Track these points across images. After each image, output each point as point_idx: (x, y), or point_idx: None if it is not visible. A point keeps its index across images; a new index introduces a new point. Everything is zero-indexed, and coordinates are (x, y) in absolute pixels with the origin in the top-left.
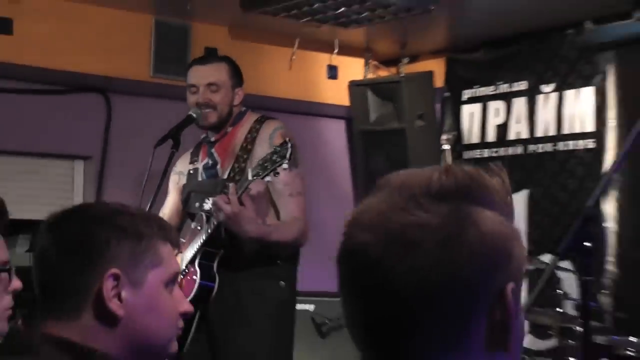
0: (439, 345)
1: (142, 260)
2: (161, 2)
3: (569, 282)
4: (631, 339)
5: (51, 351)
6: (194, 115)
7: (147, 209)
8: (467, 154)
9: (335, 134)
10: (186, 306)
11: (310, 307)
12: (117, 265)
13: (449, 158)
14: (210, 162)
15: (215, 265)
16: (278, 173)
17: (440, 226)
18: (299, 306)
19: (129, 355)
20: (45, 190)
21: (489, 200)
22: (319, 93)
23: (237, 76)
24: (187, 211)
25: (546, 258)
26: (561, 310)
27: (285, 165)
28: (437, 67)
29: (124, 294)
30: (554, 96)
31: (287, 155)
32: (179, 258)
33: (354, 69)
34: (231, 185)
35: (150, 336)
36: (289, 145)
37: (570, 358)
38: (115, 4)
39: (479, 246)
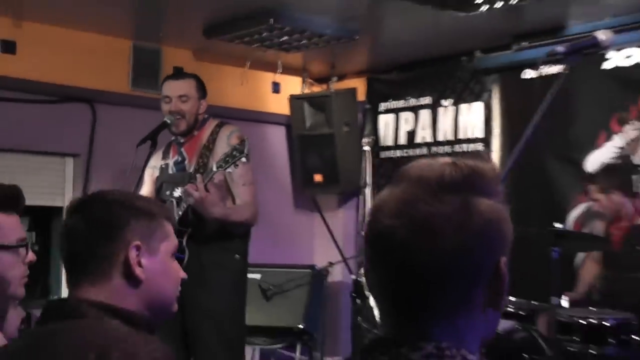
0: (449, 311)
1: (155, 234)
2: (138, 30)
3: None
4: (511, 298)
5: (97, 313)
6: (168, 121)
7: None
8: (383, 154)
9: (277, 137)
10: (182, 273)
11: (257, 276)
12: (137, 238)
13: (368, 157)
14: (179, 158)
15: (184, 240)
16: (237, 165)
17: (454, 215)
18: (249, 275)
19: (146, 313)
20: (41, 181)
21: (488, 190)
22: (264, 104)
23: (202, 90)
24: (159, 198)
25: None
26: None
27: (243, 159)
28: (359, 85)
29: (143, 261)
30: (451, 109)
31: (245, 151)
32: None
33: (293, 85)
34: (198, 175)
35: (162, 296)
36: (246, 143)
37: None
38: (101, 31)
39: (483, 231)
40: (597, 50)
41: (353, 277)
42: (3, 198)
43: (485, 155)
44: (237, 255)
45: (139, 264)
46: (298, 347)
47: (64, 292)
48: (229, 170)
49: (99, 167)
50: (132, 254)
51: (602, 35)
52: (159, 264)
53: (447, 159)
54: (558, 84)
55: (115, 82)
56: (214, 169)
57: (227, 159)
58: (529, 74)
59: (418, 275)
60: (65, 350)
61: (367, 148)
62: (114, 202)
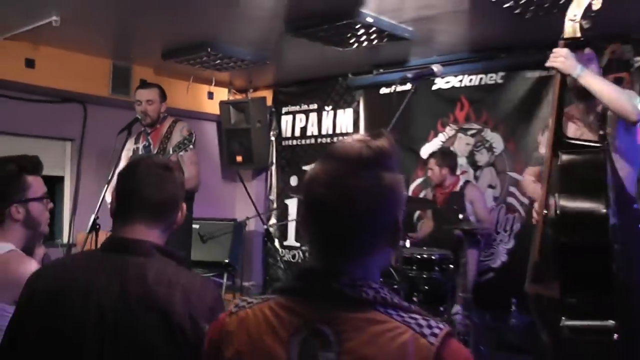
0: (360, 253)
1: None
2: (115, 53)
3: None
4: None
5: (157, 254)
6: (139, 117)
7: (112, 171)
8: (284, 143)
9: (211, 130)
10: None
11: (197, 226)
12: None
13: (274, 145)
14: (147, 143)
15: None
16: (187, 150)
17: (368, 188)
18: (192, 225)
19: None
20: (48, 158)
21: (390, 165)
22: (202, 107)
23: (163, 96)
24: None
25: None
26: None
27: (191, 146)
28: (268, 94)
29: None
30: (331, 113)
31: (193, 141)
32: None
33: (222, 94)
34: (166, 152)
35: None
36: (193, 135)
37: None
38: (91, 53)
39: (388, 199)
40: (433, 77)
41: (265, 227)
42: (31, 164)
43: (384, 132)
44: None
45: None
46: (225, 275)
47: (65, 237)
48: (181, 153)
49: (88, 148)
50: (183, 206)
51: (436, 68)
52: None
53: (362, 139)
54: (407, 97)
55: (100, 89)
56: (171, 152)
57: (180, 145)
58: (384, 90)
59: (340, 229)
60: (157, 283)
61: (273, 138)
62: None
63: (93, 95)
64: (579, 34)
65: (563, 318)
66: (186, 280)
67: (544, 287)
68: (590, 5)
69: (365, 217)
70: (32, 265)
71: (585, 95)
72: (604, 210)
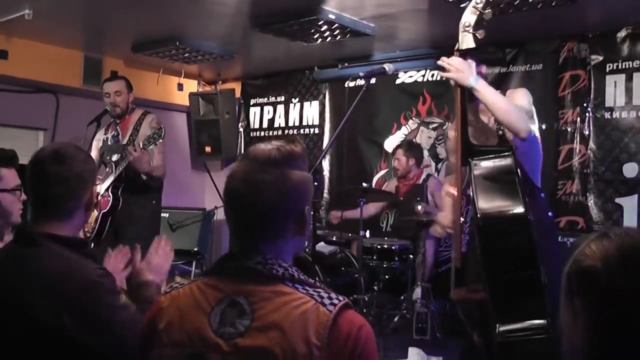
0: (271, 237)
1: None
2: (87, 46)
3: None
4: (336, 231)
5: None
6: (108, 109)
7: None
8: (252, 134)
9: (181, 121)
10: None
11: (166, 215)
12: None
13: (242, 136)
14: (115, 133)
15: (119, 191)
16: (157, 144)
17: (275, 181)
18: (161, 214)
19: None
20: (21, 146)
21: (297, 165)
22: (172, 98)
23: (130, 87)
24: (102, 161)
25: None
26: None
27: (161, 140)
28: (237, 87)
29: None
30: (298, 105)
31: (162, 135)
32: (99, 187)
33: (191, 86)
34: (135, 143)
35: None
36: (163, 128)
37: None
38: (63, 45)
39: (292, 191)
40: (385, 75)
41: None
42: (4, 157)
43: (298, 139)
44: (154, 201)
45: None
46: (194, 263)
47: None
48: (151, 147)
49: (60, 137)
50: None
51: (387, 66)
52: None
53: (276, 144)
54: (360, 94)
55: (72, 80)
56: (141, 145)
57: (150, 139)
58: (348, 84)
59: (252, 217)
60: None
61: (241, 130)
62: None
63: (65, 86)
64: (472, 44)
65: (497, 324)
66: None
67: (468, 291)
68: (482, 15)
69: (272, 206)
70: None
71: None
72: (522, 211)
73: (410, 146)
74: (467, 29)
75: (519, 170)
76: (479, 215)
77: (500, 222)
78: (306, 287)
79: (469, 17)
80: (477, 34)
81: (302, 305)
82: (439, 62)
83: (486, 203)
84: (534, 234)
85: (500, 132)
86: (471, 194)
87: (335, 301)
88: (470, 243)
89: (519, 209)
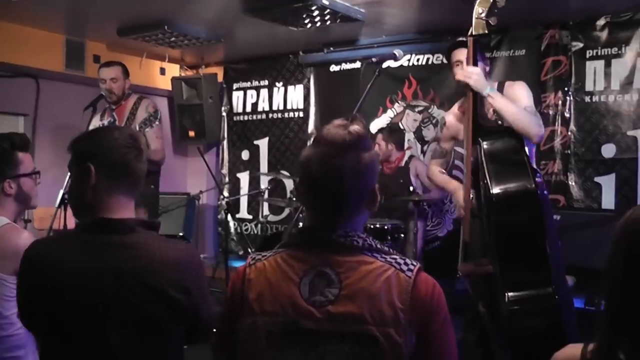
0: (349, 214)
1: None
2: (69, 29)
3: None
4: None
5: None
6: (105, 95)
7: None
8: (236, 118)
9: (163, 105)
10: None
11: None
12: None
13: (225, 120)
14: (112, 119)
15: None
16: (153, 127)
17: (353, 165)
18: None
19: None
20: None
21: (366, 146)
22: (155, 82)
23: (126, 73)
24: None
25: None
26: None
27: (157, 122)
28: (219, 71)
29: None
30: (282, 89)
31: (158, 117)
32: None
33: (174, 70)
34: (132, 128)
35: None
36: (159, 112)
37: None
38: (45, 28)
39: (366, 172)
40: (395, 60)
41: (219, 202)
42: (21, 141)
43: (359, 117)
44: (152, 186)
45: None
46: None
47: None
48: (147, 130)
49: (42, 123)
50: None
51: (397, 52)
52: None
53: (342, 124)
54: (373, 80)
55: (53, 64)
56: (138, 129)
57: (147, 122)
58: (334, 68)
59: (334, 199)
60: (149, 259)
61: (224, 114)
62: None
63: (46, 70)
64: (485, 30)
65: (507, 292)
66: (174, 253)
67: (475, 264)
68: (495, 3)
69: (351, 188)
70: (28, 238)
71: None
72: (533, 187)
73: (390, 131)
74: (480, 15)
75: (526, 149)
76: (492, 192)
77: (512, 197)
78: (384, 255)
79: (483, 4)
80: (490, 21)
81: (384, 273)
82: (458, 78)
83: (498, 180)
84: (542, 207)
85: (499, 122)
86: (481, 172)
87: (411, 266)
88: (460, 222)
89: (530, 185)
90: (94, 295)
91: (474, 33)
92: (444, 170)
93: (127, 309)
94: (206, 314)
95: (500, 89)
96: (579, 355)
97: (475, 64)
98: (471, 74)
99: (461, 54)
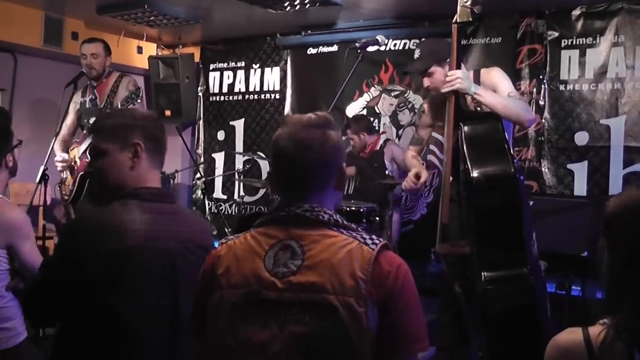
0: (316, 189)
1: None
2: (48, 5)
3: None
4: None
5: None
6: (85, 71)
7: (59, 124)
8: (212, 98)
9: (140, 84)
10: None
11: None
12: None
13: (201, 100)
14: (93, 97)
15: None
16: (134, 104)
17: (319, 140)
18: None
19: None
20: None
21: (332, 126)
22: (132, 61)
23: (107, 50)
24: (79, 124)
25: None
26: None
27: (139, 100)
28: (196, 51)
29: None
30: (259, 71)
31: (140, 95)
32: (76, 150)
33: (151, 49)
34: (113, 105)
35: None
36: (141, 89)
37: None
38: (23, 4)
39: (333, 148)
40: (378, 46)
41: (193, 181)
42: (7, 115)
43: (328, 114)
44: None
45: None
46: None
47: None
48: (129, 107)
49: (19, 98)
50: None
51: (379, 38)
52: None
53: (311, 113)
54: (355, 65)
55: (31, 39)
56: (119, 106)
57: (128, 99)
58: (311, 51)
59: (301, 170)
60: (191, 224)
61: (200, 94)
62: None
63: (24, 46)
64: (470, 18)
65: (483, 272)
66: (197, 218)
67: (452, 245)
68: None
69: (317, 160)
70: (20, 212)
71: None
72: (512, 171)
73: (355, 121)
74: (465, 3)
75: (505, 134)
76: (472, 175)
77: (492, 180)
78: (349, 231)
79: None
80: (474, 9)
81: (347, 245)
82: (443, 90)
83: (478, 162)
84: (519, 191)
85: (479, 108)
86: (462, 156)
87: (377, 241)
88: (435, 206)
89: (509, 168)
90: (164, 256)
91: (458, 20)
92: (417, 156)
93: (190, 269)
94: None
95: (477, 76)
96: (582, 338)
97: (459, 51)
98: (455, 80)
99: (432, 70)
